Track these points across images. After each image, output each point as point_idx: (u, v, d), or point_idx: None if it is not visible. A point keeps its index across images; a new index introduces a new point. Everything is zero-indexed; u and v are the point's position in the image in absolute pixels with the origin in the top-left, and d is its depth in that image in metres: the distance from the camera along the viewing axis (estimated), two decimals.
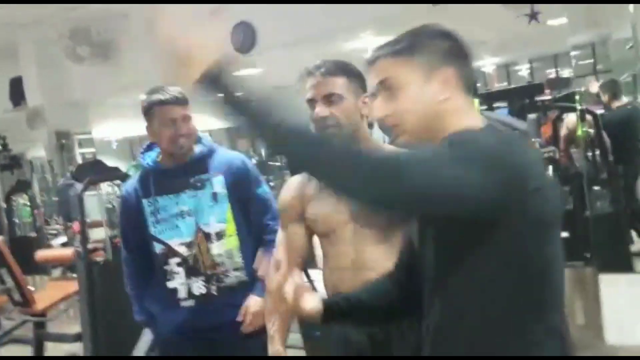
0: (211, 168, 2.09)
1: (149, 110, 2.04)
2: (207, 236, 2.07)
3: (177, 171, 2.07)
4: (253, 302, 2.10)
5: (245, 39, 5.19)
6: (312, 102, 1.63)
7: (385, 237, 1.59)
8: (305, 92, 1.64)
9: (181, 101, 2.01)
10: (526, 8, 6.24)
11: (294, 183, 1.80)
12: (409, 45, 1.11)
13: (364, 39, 6.35)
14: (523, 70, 10.89)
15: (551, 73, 9.32)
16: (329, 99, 1.61)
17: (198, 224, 2.07)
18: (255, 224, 2.17)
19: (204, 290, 2.07)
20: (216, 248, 2.07)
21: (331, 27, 5.20)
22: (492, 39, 8.45)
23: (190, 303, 2.08)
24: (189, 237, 2.07)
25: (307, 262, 2.08)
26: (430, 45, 1.11)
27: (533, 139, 3.44)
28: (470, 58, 1.15)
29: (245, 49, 5.29)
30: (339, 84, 1.62)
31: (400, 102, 1.11)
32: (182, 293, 2.08)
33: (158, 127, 2.03)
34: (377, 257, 1.59)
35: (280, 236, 1.85)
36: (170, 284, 2.10)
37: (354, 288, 1.56)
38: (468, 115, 1.13)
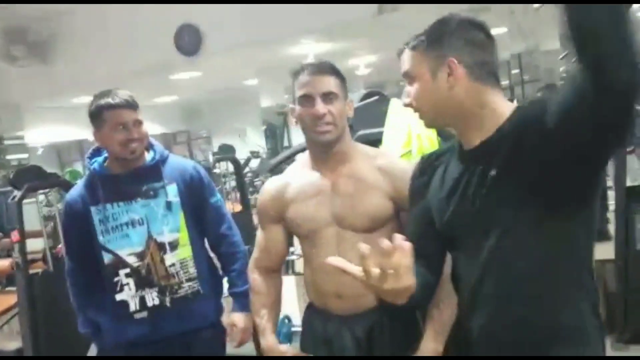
0: (164, 176, 2.04)
1: (98, 115, 1.96)
2: (161, 246, 2.02)
3: (128, 178, 2.01)
4: (238, 319, 2.08)
5: (190, 41, 5.13)
6: (308, 98, 1.63)
7: (365, 239, 1.59)
8: (300, 88, 1.64)
9: (132, 105, 1.96)
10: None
11: (272, 185, 1.80)
12: (424, 40, 1.23)
13: (306, 45, 6.42)
14: None
15: None
16: (328, 96, 1.63)
17: (150, 234, 2.01)
18: (211, 234, 2.14)
19: (157, 302, 2.02)
20: (170, 258, 2.02)
21: (273, 33, 5.22)
22: None
23: (143, 315, 2.02)
24: (140, 247, 2.01)
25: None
26: (442, 37, 1.21)
27: None
28: (486, 46, 1.22)
29: (191, 52, 5.23)
30: (335, 83, 1.65)
31: (416, 91, 1.25)
32: (133, 305, 2.02)
33: (108, 132, 1.95)
34: (358, 259, 1.59)
35: (258, 237, 1.86)
36: (120, 296, 2.03)
37: (336, 288, 1.63)
38: (485, 102, 1.22)
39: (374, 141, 2.32)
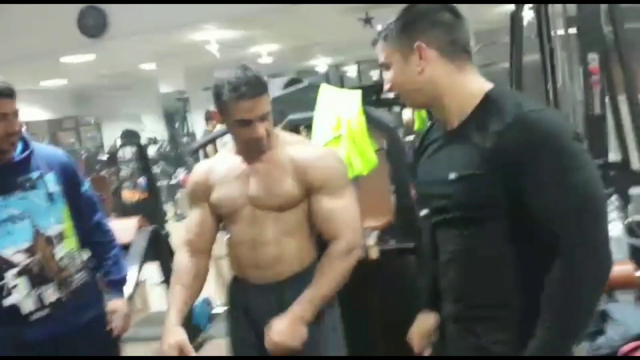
0: (40, 166, 1.92)
1: None
2: (49, 240, 1.90)
3: (1, 171, 1.85)
4: (119, 305, 2.08)
5: (95, 24, 4.99)
6: (246, 122, 1.68)
7: (278, 217, 1.76)
8: (237, 113, 1.67)
9: (11, 94, 1.80)
10: (362, 13, 6.75)
11: (201, 168, 1.90)
12: (393, 28, 1.31)
13: (208, 31, 6.42)
14: (350, 71, 11.75)
15: (375, 74, 10.19)
16: (265, 118, 1.70)
17: (36, 227, 1.88)
18: (85, 222, 2.06)
19: (55, 298, 1.90)
20: (59, 252, 1.92)
21: (175, 18, 5.19)
22: (326, 40, 9.03)
23: (42, 314, 1.89)
24: (26, 243, 1.86)
25: None
26: (410, 23, 1.29)
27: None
28: (456, 26, 1.28)
29: (94, 34, 5.08)
30: (267, 102, 1.71)
31: (392, 77, 1.32)
32: (29, 306, 1.86)
33: None
34: (271, 235, 1.77)
35: (188, 218, 1.93)
36: (9, 300, 1.85)
37: (253, 260, 1.81)
38: (458, 79, 1.28)
39: (305, 126, 2.49)
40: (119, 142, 7.38)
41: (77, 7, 5.12)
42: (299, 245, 1.79)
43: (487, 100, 1.25)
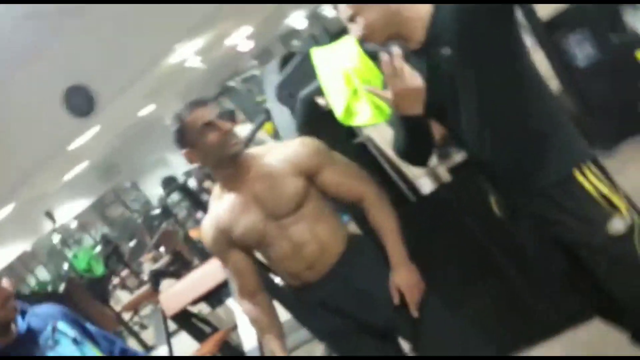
0: (46, 322, 1.88)
1: None
2: None
3: (18, 348, 1.82)
4: None
5: (83, 100, 4.99)
6: (209, 125, 1.76)
7: (300, 215, 1.82)
8: (196, 121, 1.77)
9: None
10: None
11: (208, 222, 1.91)
12: None
13: (182, 48, 6.36)
14: (327, 11, 11.41)
15: None
16: (222, 117, 1.79)
17: None
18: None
19: None
20: None
21: (150, 52, 5.13)
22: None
23: None
24: None
25: None
26: None
27: None
28: None
29: (87, 109, 5.08)
30: (216, 109, 1.82)
31: (362, 22, 1.44)
32: None
33: None
34: (304, 233, 1.82)
35: (226, 271, 1.95)
36: None
37: (302, 264, 1.84)
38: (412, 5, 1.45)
39: (318, 96, 2.39)
40: (162, 193, 7.48)
41: (59, 93, 5.08)
42: (331, 225, 1.86)
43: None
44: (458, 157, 2.45)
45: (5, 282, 1.79)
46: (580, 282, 1.54)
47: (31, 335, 1.85)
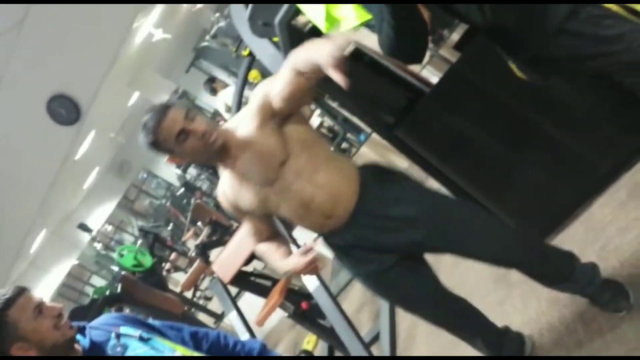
0: (108, 330, 1.87)
1: None
2: None
3: None
4: None
5: (69, 108, 4.88)
6: (183, 132, 1.75)
7: (296, 163, 1.78)
8: (169, 129, 1.75)
9: None
10: None
11: (220, 194, 1.95)
12: None
13: (143, 24, 6.13)
14: None
15: None
16: (188, 118, 1.77)
17: None
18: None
19: None
20: None
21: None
22: None
23: None
24: None
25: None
26: None
27: None
28: None
29: (76, 117, 4.99)
30: (181, 111, 1.80)
31: None
32: None
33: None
34: (310, 182, 1.79)
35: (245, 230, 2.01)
36: None
37: (321, 214, 1.82)
38: None
39: (295, 16, 2.24)
40: (179, 172, 7.47)
41: (44, 97, 4.94)
42: (333, 169, 1.81)
43: None
44: (455, 36, 2.32)
45: (52, 303, 1.76)
46: (629, 116, 1.44)
47: (97, 348, 1.84)
